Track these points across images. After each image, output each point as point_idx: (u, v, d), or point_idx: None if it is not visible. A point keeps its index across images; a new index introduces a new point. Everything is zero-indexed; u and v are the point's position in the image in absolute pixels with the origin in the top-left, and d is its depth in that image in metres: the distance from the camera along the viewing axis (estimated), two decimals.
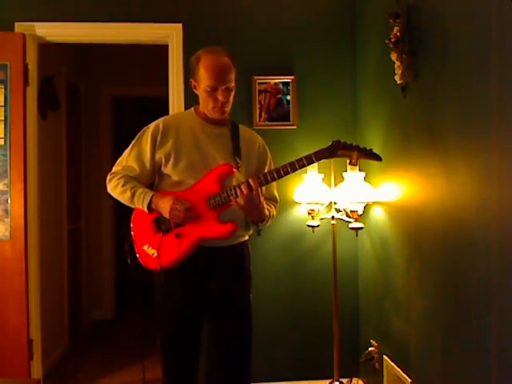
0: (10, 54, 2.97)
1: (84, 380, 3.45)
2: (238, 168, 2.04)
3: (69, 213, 4.16)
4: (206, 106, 2.05)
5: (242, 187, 1.91)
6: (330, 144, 1.92)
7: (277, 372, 3.13)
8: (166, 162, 2.03)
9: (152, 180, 2.13)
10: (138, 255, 2.10)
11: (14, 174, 2.96)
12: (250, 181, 1.91)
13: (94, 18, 3.06)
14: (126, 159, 2.10)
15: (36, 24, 3.03)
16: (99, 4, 3.09)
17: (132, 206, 2.10)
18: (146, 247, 2.07)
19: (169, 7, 3.12)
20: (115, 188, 2.08)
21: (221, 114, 2.05)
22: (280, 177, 1.93)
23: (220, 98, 1.99)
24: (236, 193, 1.93)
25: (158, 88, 3.74)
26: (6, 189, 2.96)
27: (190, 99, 2.86)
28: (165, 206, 1.98)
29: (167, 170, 2.04)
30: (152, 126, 2.09)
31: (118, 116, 5.16)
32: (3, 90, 2.96)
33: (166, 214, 1.98)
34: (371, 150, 1.94)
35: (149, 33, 3.12)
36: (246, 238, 2.16)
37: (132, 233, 2.13)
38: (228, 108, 2.06)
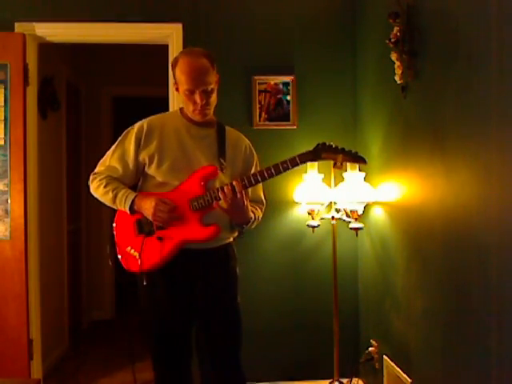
0: (10, 54, 2.97)
1: (84, 380, 3.45)
2: (222, 170, 2.01)
3: (69, 213, 4.16)
4: (187, 108, 2.03)
5: (226, 190, 1.88)
6: (314, 146, 1.90)
7: (277, 372, 3.12)
8: (150, 162, 2.01)
9: (136, 181, 2.11)
10: (120, 257, 2.08)
11: (14, 174, 2.97)
12: (234, 183, 1.89)
13: (95, 18, 3.06)
14: (110, 159, 2.07)
15: (36, 24, 3.03)
16: (99, 4, 3.09)
17: (114, 208, 2.07)
18: (128, 249, 2.05)
19: (169, 7, 3.12)
20: (97, 189, 2.05)
21: (202, 117, 2.02)
22: (264, 179, 1.91)
23: (198, 100, 1.96)
24: (219, 196, 1.91)
25: (158, 88, 3.74)
26: (6, 189, 2.97)
27: None
28: (147, 208, 1.95)
29: (151, 171, 2.02)
30: (136, 126, 2.06)
31: (118, 116, 5.14)
32: (3, 90, 2.96)
33: (149, 216, 1.96)
34: (356, 152, 1.91)
35: (149, 33, 3.12)
36: (231, 239, 2.14)
37: (114, 233, 2.11)
38: (209, 110, 2.03)
